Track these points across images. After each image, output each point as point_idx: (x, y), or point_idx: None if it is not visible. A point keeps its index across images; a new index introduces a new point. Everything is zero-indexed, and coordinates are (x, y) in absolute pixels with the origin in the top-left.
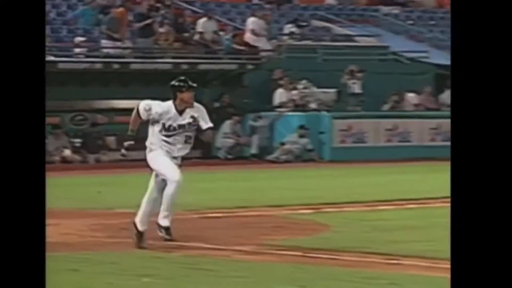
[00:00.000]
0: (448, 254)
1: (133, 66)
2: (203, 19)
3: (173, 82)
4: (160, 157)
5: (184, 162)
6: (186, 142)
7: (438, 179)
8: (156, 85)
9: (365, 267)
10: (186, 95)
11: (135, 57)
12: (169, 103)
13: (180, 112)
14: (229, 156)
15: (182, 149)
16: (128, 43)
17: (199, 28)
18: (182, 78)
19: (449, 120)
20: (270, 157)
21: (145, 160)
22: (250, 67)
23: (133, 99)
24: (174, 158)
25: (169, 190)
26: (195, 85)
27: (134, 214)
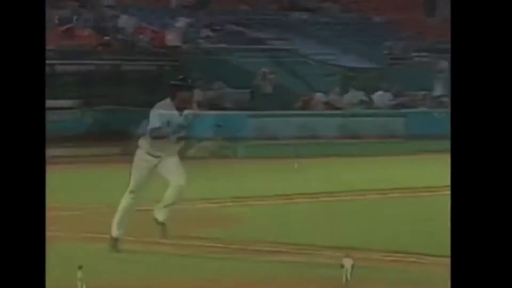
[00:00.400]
0: (353, 243)
1: (57, 68)
2: (124, 16)
3: (173, 81)
4: (136, 167)
5: (104, 158)
6: (177, 142)
7: (344, 174)
8: (79, 86)
9: (276, 257)
10: (186, 95)
11: (59, 59)
12: (166, 102)
13: (180, 111)
14: None
15: (173, 147)
16: (51, 46)
17: (120, 24)
18: (182, 77)
19: (354, 119)
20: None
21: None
22: (168, 68)
23: (58, 99)
24: (167, 155)
25: (123, 202)
26: (194, 85)
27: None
